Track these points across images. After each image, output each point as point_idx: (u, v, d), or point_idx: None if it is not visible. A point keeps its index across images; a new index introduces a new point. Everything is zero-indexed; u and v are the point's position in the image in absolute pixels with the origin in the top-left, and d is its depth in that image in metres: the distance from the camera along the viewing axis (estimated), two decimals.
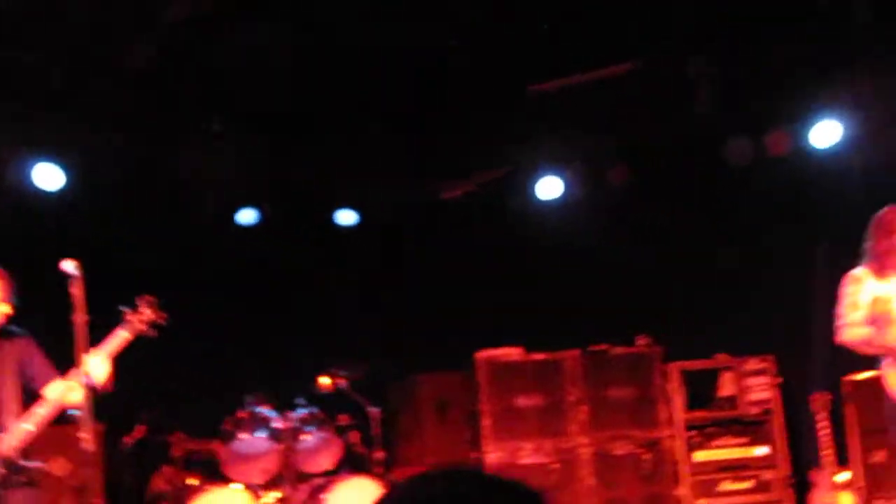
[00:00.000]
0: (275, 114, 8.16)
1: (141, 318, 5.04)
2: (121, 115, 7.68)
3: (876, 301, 5.22)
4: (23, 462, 4.66)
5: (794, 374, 8.36)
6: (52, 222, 7.78)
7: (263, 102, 7.99)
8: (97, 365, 4.75)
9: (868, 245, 5.32)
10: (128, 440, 7.48)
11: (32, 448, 4.72)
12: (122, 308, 5.04)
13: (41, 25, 6.64)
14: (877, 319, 5.24)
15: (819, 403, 7.75)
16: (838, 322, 5.32)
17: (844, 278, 5.38)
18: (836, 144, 8.18)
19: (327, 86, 7.83)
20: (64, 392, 4.75)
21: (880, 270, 5.27)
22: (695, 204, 8.85)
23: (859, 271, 5.34)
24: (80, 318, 4.60)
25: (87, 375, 4.65)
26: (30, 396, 4.83)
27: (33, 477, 4.70)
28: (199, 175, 8.54)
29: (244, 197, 8.98)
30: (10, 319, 4.90)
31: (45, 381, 4.84)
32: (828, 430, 7.67)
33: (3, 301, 4.84)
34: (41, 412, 4.71)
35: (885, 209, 5.31)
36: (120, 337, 4.95)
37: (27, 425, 4.68)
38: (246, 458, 7.28)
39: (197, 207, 8.71)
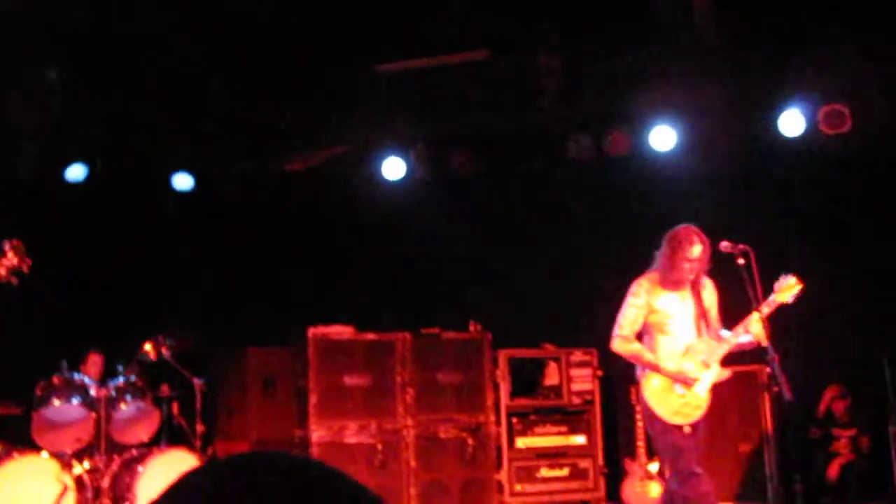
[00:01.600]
0: (114, 68, 7.80)
1: (4, 262, 4.86)
2: None
3: (652, 312, 5.54)
4: None
5: (615, 368, 8.65)
6: None
7: (103, 55, 7.63)
8: None
9: (659, 255, 5.58)
10: None
11: None
12: None
13: None
14: (651, 328, 5.55)
15: (636, 396, 8.06)
16: (616, 330, 5.62)
17: (633, 284, 5.64)
18: (672, 149, 8.49)
19: (173, 46, 7.56)
20: None
21: (664, 282, 5.56)
22: (535, 195, 9.03)
23: (645, 280, 5.62)
24: None
25: None
26: None
27: None
28: (29, 124, 8.10)
29: (74, 152, 8.56)
30: None
31: None
32: (642, 423, 7.98)
33: None
34: None
35: (681, 227, 5.56)
36: None
37: None
38: (58, 425, 6.97)
39: (24, 157, 8.26)
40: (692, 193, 8.35)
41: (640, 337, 5.67)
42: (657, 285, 5.57)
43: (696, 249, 5.46)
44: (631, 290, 5.63)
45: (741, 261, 5.46)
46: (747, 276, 5.44)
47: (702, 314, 5.61)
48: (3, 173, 8.17)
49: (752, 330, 5.38)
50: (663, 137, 8.44)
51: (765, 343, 5.37)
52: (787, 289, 5.45)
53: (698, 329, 5.61)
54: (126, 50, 7.50)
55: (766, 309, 5.41)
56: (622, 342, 5.59)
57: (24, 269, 4.91)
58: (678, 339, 5.58)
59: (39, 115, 7.86)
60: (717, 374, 5.59)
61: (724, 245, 5.55)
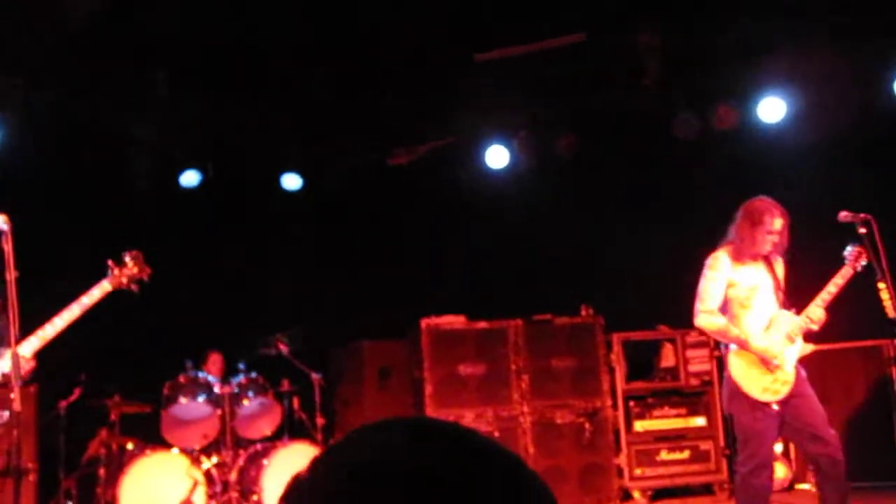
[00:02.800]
0: (221, 74, 8.01)
1: (125, 272, 5.11)
2: (60, 72, 7.48)
3: (730, 287, 5.38)
4: None
5: None
6: None
7: (210, 62, 7.83)
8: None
9: (735, 229, 5.42)
10: (64, 403, 7.35)
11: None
12: (108, 261, 5.08)
13: None
14: (728, 303, 5.40)
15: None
16: (698, 306, 5.44)
17: (708, 257, 5.48)
18: (782, 121, 8.27)
19: (276, 48, 7.71)
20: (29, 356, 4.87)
21: (738, 257, 5.39)
22: (642, 176, 8.89)
23: (721, 253, 5.44)
24: (10, 274, 4.54)
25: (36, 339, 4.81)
26: None
27: None
28: (142, 135, 8.38)
29: (188, 158, 8.82)
30: None
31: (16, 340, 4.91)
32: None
33: None
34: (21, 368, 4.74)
35: (758, 199, 5.40)
36: (101, 288, 5.03)
37: None
38: (185, 422, 7.21)
39: (139, 168, 8.55)
40: (805, 165, 8.11)
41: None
42: (734, 259, 5.39)
43: (779, 222, 5.31)
44: (707, 263, 5.45)
45: (863, 230, 5.28)
46: (869, 246, 5.26)
47: (778, 287, 5.42)
48: (121, 185, 8.46)
49: (884, 298, 5.18)
50: (772, 109, 8.23)
51: (892, 314, 5.18)
52: None
53: (778, 303, 5.41)
54: (229, 54, 7.68)
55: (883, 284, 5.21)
56: (707, 317, 5.38)
57: (145, 277, 5.16)
58: (759, 313, 5.38)
59: (151, 126, 8.13)
60: (801, 348, 5.41)
61: (844, 215, 5.37)
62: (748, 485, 5.23)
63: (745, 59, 8.04)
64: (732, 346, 5.39)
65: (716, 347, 5.38)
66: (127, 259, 5.14)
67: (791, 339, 5.36)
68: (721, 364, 8.43)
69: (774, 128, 8.29)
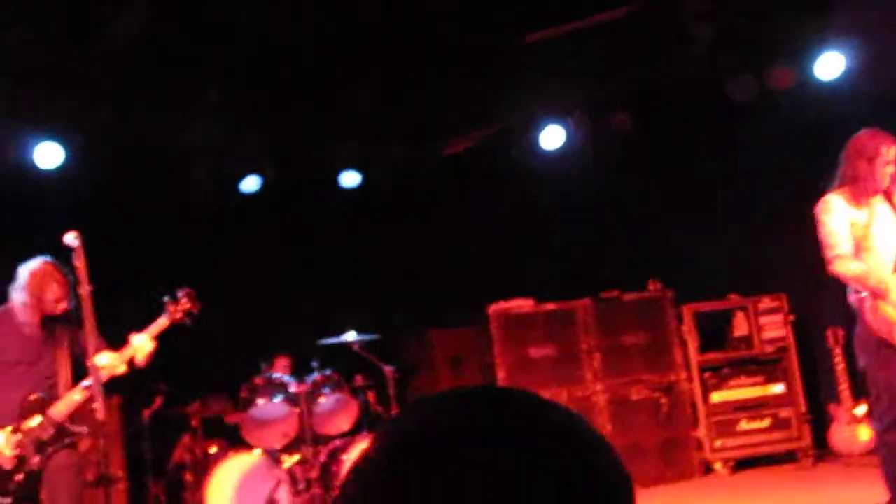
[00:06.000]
0: (271, 79, 8.09)
1: (179, 307, 5.49)
2: (115, 89, 7.62)
3: (853, 229, 5.09)
4: (70, 427, 5.14)
5: (808, 311, 8.34)
6: (54, 199, 7.77)
7: (258, 68, 7.92)
8: (144, 343, 5.31)
9: (841, 170, 5.18)
10: (147, 412, 7.53)
11: (77, 414, 5.20)
12: (165, 298, 5.48)
13: (32, 2, 6.58)
14: (854, 247, 5.12)
15: (833, 338, 7.75)
16: (829, 252, 5.07)
17: (819, 205, 5.19)
18: (840, 76, 8.08)
19: (323, 48, 7.76)
20: (110, 364, 5.19)
21: (857, 197, 5.11)
22: (700, 144, 8.77)
23: (833, 196, 5.12)
24: (84, 289, 4.79)
25: (131, 351, 5.24)
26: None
27: (76, 440, 5.19)
28: (199, 145, 8.51)
29: (246, 165, 8.94)
30: None
31: (94, 352, 5.20)
32: (843, 365, 7.67)
33: (63, 299, 5.29)
34: (89, 383, 5.09)
35: (862, 133, 5.17)
36: (159, 324, 5.43)
37: (76, 395, 5.14)
38: (265, 423, 7.32)
39: (199, 177, 8.68)
40: (870, 119, 7.91)
41: None
42: (851, 200, 5.08)
43: (893, 150, 5.04)
44: (820, 209, 5.13)
45: None
46: None
47: None
48: (182, 195, 8.61)
49: None
50: (830, 65, 8.04)
51: None
52: None
53: None
54: (278, 56, 7.75)
55: None
56: (843, 262, 5.01)
57: (196, 311, 5.55)
58: (883, 255, 5.04)
59: (208, 135, 8.24)
60: None
61: None
62: (884, 441, 5.00)
63: (798, 15, 7.87)
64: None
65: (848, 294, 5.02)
66: (181, 296, 5.51)
67: None
68: (796, 328, 8.35)
69: (834, 84, 8.09)
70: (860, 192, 5.08)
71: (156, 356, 5.47)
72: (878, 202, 5.12)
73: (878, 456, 5.17)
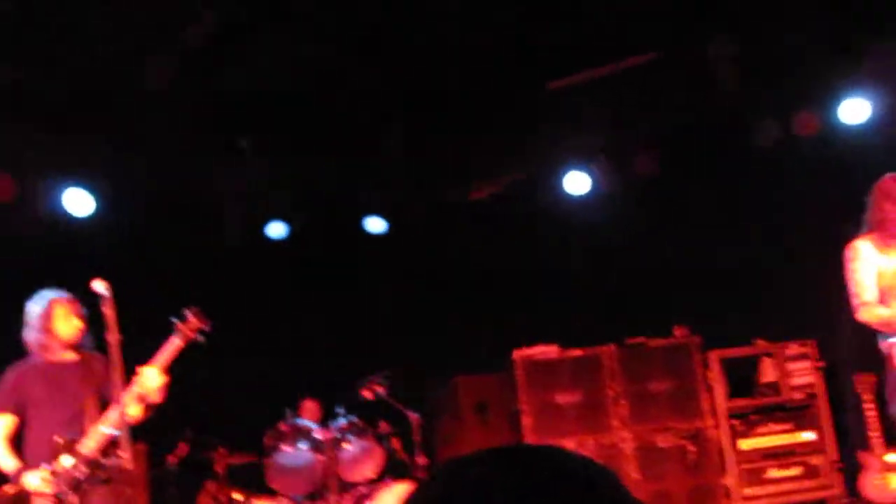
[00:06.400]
0: (298, 125, 8.18)
1: (189, 326, 5.37)
2: (146, 136, 7.74)
3: (881, 276, 5.10)
4: (102, 460, 5.08)
5: (837, 356, 8.24)
6: (86, 247, 7.86)
7: (285, 115, 8.02)
8: (153, 377, 5.16)
9: (869, 214, 5.19)
10: (172, 459, 7.53)
11: (110, 447, 5.10)
12: (172, 319, 5.36)
13: (63, 47, 6.70)
14: (883, 294, 5.12)
15: (864, 384, 7.63)
16: (855, 301, 5.14)
17: (847, 251, 5.23)
18: (866, 121, 8.07)
19: (350, 95, 7.85)
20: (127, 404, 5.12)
21: (882, 240, 5.14)
22: (725, 189, 8.76)
23: (861, 243, 5.18)
24: (113, 337, 4.79)
25: (141, 388, 5.13)
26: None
27: (111, 474, 5.11)
28: (228, 192, 8.60)
29: (273, 211, 9.01)
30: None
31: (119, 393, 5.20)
32: (874, 412, 7.55)
33: (76, 316, 5.29)
34: (116, 416, 5.01)
35: (888, 176, 5.19)
36: (173, 345, 5.31)
37: (105, 428, 5.07)
38: (289, 470, 7.30)
39: (227, 224, 8.76)
40: (891, 165, 7.88)
41: None
42: (878, 245, 5.13)
43: None
44: (848, 255, 5.19)
45: None
46: None
47: None
48: (211, 239, 8.68)
49: None
50: (855, 110, 8.03)
51: None
52: None
53: None
54: (306, 102, 7.84)
55: None
56: (868, 309, 5.08)
57: (207, 329, 5.43)
58: None
59: (239, 181, 8.34)
60: None
61: None
62: None
63: (824, 60, 7.88)
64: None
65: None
66: (189, 315, 5.41)
67: None
68: (826, 375, 8.25)
69: (858, 129, 8.08)
70: (885, 234, 5.09)
71: (179, 401, 5.44)
72: None
73: None
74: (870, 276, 5.11)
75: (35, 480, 5.05)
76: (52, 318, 5.31)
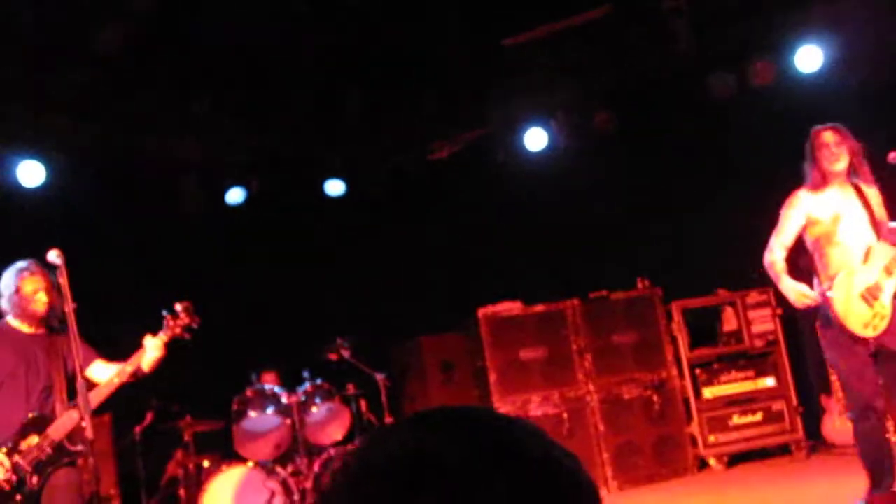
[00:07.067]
0: (253, 90, 8.08)
1: (179, 322, 5.41)
2: (97, 104, 7.60)
3: (817, 223, 5.29)
4: (69, 445, 5.05)
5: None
6: (38, 218, 7.73)
7: (241, 80, 7.91)
8: (154, 349, 5.25)
9: (806, 165, 5.34)
10: (138, 429, 7.50)
11: (75, 431, 5.05)
12: (164, 313, 5.40)
13: (12, 16, 6.55)
14: (820, 241, 5.27)
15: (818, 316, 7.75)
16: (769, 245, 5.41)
17: (787, 198, 5.41)
18: (820, 69, 8.12)
19: (305, 58, 7.76)
20: (114, 375, 5.17)
21: (814, 186, 5.30)
22: (683, 142, 8.80)
23: (801, 192, 5.36)
24: (68, 306, 4.75)
25: (137, 360, 5.19)
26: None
27: (75, 458, 5.08)
28: (183, 158, 8.49)
29: (231, 175, 8.92)
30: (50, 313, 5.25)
31: (86, 364, 5.19)
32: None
33: (44, 291, 5.18)
34: (88, 398, 4.91)
35: (819, 127, 5.31)
36: (161, 338, 5.36)
37: (74, 413, 4.99)
38: (257, 435, 7.31)
39: (184, 191, 8.66)
40: (849, 111, 7.95)
41: (811, 255, 5.40)
42: (811, 189, 5.31)
43: (827, 134, 5.24)
44: (785, 203, 5.42)
45: None
46: None
47: (874, 218, 5.26)
48: (170, 208, 8.58)
49: None
50: (809, 58, 8.08)
51: None
52: None
53: (875, 233, 5.26)
54: (262, 66, 7.74)
55: None
56: (767, 253, 5.41)
57: (195, 325, 5.46)
58: (849, 247, 5.22)
59: (195, 147, 8.23)
60: None
61: (894, 156, 5.27)
62: (857, 431, 5.14)
63: (776, 10, 7.91)
64: (837, 282, 5.17)
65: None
66: (179, 310, 5.43)
67: (889, 272, 5.18)
68: (784, 322, 8.36)
69: (813, 77, 8.14)
70: (819, 179, 5.25)
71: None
72: (850, 193, 5.24)
73: (856, 445, 5.27)
74: (791, 223, 5.33)
75: None
76: (22, 291, 5.22)
